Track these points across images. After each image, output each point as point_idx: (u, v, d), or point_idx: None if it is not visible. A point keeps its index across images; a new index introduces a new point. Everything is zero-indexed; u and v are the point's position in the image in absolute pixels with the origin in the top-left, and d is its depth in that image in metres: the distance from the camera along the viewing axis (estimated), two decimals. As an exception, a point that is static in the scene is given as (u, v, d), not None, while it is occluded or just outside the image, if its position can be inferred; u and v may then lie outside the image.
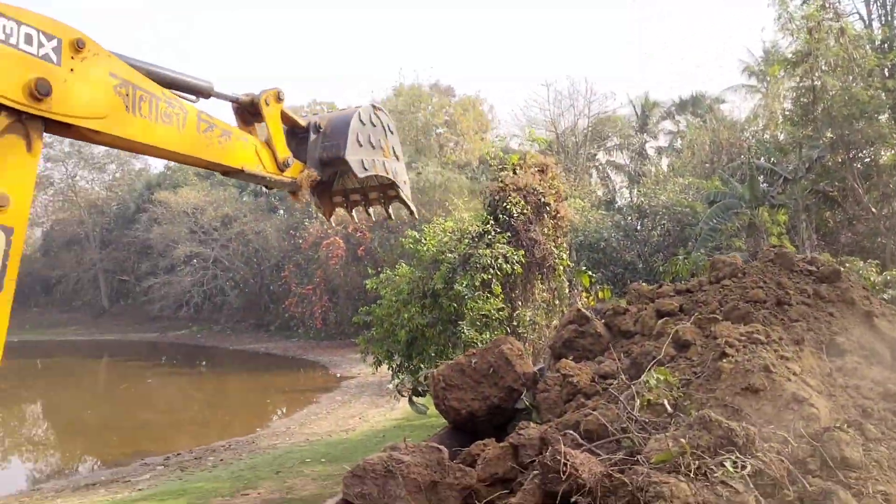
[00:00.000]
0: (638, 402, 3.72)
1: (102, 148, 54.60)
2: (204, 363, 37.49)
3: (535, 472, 3.36)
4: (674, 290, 5.82)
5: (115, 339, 45.76)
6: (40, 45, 3.17)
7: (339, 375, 29.21)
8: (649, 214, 29.24)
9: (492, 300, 10.63)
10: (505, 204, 11.81)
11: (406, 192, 4.95)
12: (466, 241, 11.33)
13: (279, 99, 4.39)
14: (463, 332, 10.29)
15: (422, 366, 11.80)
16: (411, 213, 5.12)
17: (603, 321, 5.76)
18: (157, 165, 56.30)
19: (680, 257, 18.36)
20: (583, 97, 43.19)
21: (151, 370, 34.00)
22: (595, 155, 49.51)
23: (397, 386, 5.25)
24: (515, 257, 10.91)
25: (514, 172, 12.54)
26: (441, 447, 3.98)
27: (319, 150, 4.56)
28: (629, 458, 3.21)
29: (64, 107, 3.24)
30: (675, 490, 2.73)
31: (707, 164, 34.23)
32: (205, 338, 44.17)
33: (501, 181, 12.14)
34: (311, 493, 12.71)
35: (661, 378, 3.87)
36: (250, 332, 43.59)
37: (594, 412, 3.77)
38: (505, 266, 10.82)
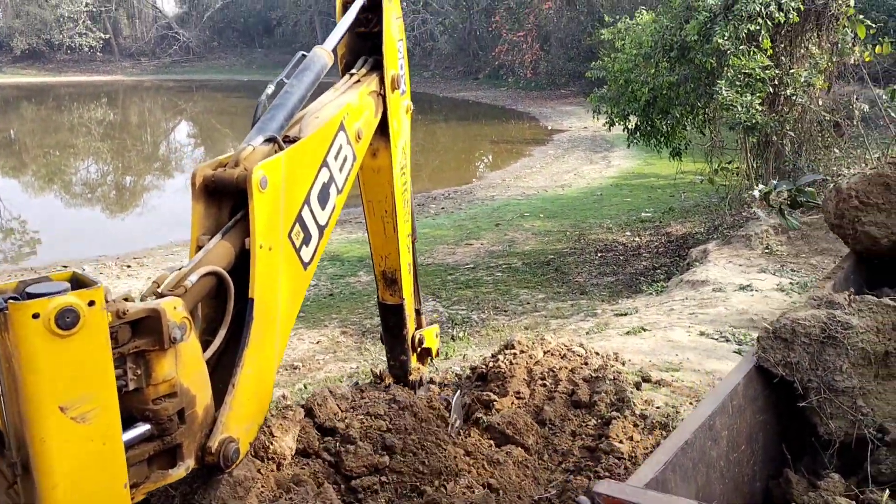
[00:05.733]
0: None
1: None
2: (413, 108, 38.16)
3: None
4: None
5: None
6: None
7: (549, 128, 28.57)
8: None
9: (759, 56, 9.08)
10: (782, -64, 9.70)
11: None
12: (730, -16, 9.56)
13: None
14: (720, 93, 8.97)
15: (662, 126, 10.78)
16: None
17: None
18: None
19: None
20: None
21: (367, 114, 35.12)
22: None
23: (764, 192, 4.27)
24: (792, 4, 9.08)
25: None
26: None
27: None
28: None
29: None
30: None
31: None
32: (414, 83, 44.27)
33: None
34: (532, 248, 12.76)
35: None
36: (459, 80, 43.37)
37: None
38: (777, 15, 9.08)
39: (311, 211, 3.26)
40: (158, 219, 18.05)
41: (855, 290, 3.31)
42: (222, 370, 2.86)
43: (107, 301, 2.32)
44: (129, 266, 12.11)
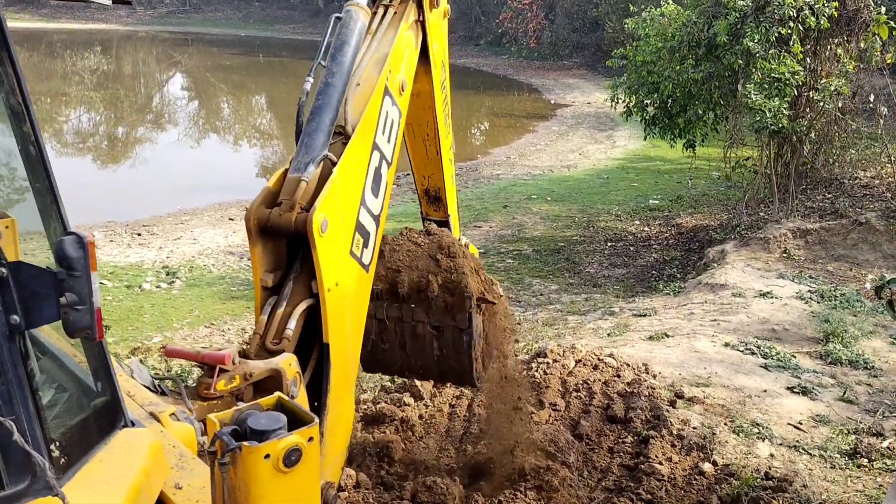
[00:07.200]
0: None
1: None
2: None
3: None
4: None
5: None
6: None
7: (552, 102, 28.37)
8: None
9: (788, 60, 9.04)
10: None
11: None
12: (762, -16, 9.43)
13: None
14: (748, 97, 8.94)
15: (680, 120, 10.75)
16: None
17: None
18: None
19: None
20: None
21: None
22: None
23: (876, 286, 4.17)
24: (826, 10, 9.02)
25: None
26: None
27: None
28: None
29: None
30: None
31: None
32: (415, 47, 44.06)
33: None
34: (542, 234, 12.77)
35: None
36: (459, 45, 42.76)
37: None
38: (809, 19, 9.02)
39: (367, 209, 3.07)
40: (159, 178, 17.85)
41: None
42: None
43: (233, 363, 2.35)
44: (139, 234, 12.02)
